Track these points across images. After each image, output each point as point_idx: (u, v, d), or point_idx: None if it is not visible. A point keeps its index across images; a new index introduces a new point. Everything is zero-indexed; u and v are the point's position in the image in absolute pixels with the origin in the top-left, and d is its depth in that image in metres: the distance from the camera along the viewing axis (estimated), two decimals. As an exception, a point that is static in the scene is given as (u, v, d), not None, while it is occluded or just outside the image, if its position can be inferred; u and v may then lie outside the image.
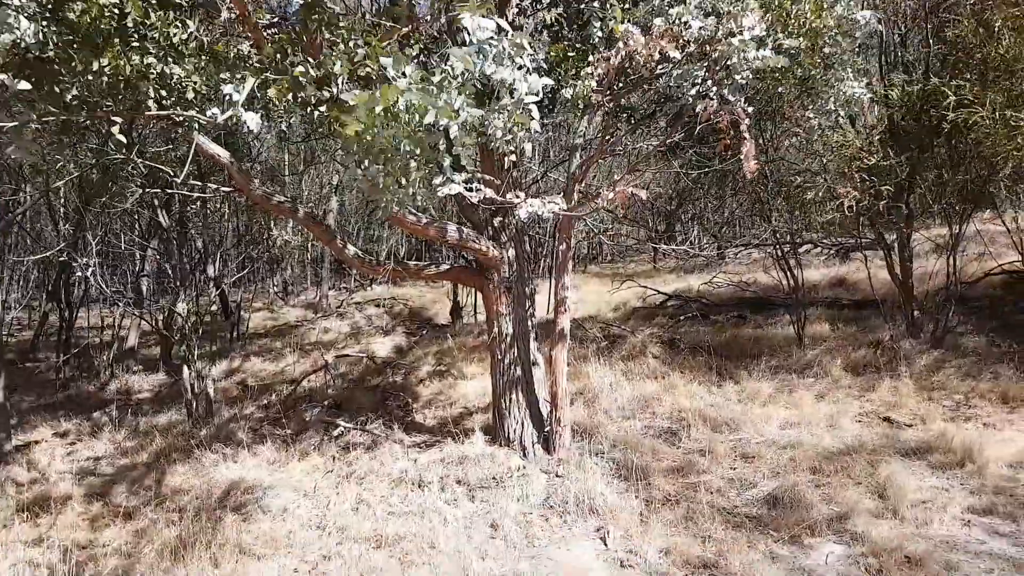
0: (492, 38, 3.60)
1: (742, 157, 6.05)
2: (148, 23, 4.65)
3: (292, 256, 17.16)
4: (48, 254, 10.13)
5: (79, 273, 11.13)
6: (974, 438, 6.32)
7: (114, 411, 9.02)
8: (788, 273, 9.75)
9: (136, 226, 11.81)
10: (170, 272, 9.64)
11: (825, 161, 8.97)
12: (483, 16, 3.53)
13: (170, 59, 4.84)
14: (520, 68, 3.66)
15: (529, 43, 4.11)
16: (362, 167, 4.00)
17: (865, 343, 9.06)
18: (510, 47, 3.68)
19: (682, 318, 10.96)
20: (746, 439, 6.83)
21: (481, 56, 3.61)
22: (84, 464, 7.65)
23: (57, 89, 4.55)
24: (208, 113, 4.94)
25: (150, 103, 4.89)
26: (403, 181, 5.66)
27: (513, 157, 5.78)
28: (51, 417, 9.29)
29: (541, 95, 3.80)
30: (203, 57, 5.07)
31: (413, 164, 4.72)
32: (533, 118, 3.85)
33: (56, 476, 7.21)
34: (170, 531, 5.53)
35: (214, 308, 10.83)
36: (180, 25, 4.86)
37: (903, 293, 9.42)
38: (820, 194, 8.59)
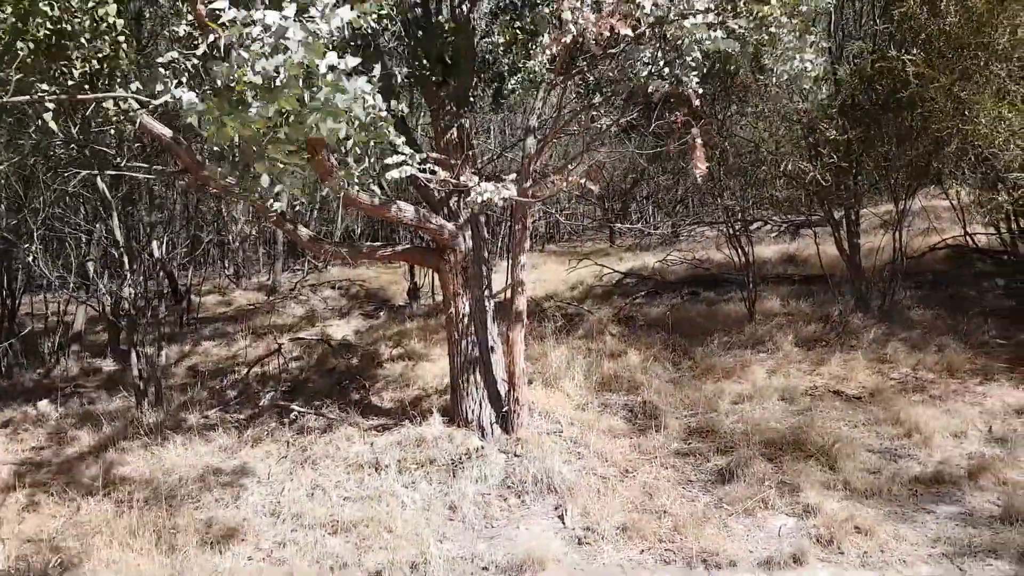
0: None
1: (693, 159, 6.09)
2: None
3: (245, 239, 16.77)
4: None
5: (21, 259, 10.71)
6: (921, 410, 6.55)
7: (59, 399, 8.73)
8: (740, 250, 9.90)
9: (81, 209, 11.38)
10: (116, 255, 9.32)
11: (780, 135, 9.09)
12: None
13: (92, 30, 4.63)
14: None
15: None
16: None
17: (815, 318, 9.28)
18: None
19: (638, 296, 11.06)
20: (701, 414, 6.95)
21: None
22: (28, 455, 7.40)
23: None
24: (135, 88, 4.74)
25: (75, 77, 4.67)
26: (350, 162, 5.55)
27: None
28: (-8, 407, 8.95)
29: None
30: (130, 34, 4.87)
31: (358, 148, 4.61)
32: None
33: (-1, 467, 6.98)
34: (119, 521, 5.39)
35: (163, 292, 10.52)
36: None
37: (851, 269, 9.65)
38: (774, 170, 8.71)
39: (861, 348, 8.23)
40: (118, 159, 7.73)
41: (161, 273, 10.58)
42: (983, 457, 5.76)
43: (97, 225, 10.73)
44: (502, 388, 6.75)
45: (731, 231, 10.14)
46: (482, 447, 6.21)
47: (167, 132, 5.63)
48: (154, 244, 9.36)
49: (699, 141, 6.03)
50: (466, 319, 6.83)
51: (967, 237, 10.41)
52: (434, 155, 6.43)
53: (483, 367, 6.80)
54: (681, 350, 8.63)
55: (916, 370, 7.70)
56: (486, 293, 7.02)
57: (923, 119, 7.99)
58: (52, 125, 5.34)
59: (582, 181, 6.49)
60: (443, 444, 6.25)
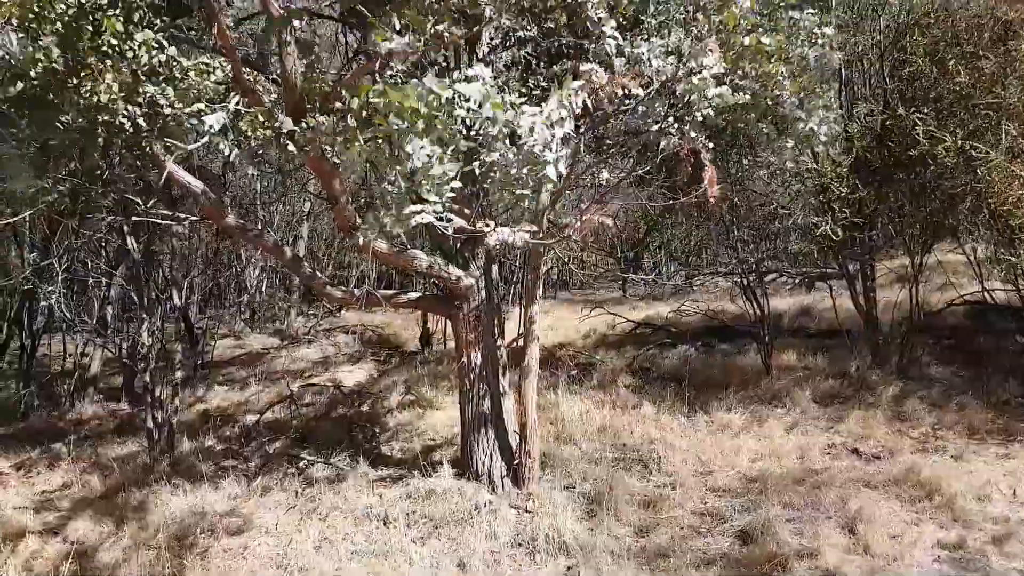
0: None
1: (705, 183, 6.16)
2: (124, 41, 4.59)
3: (260, 283, 16.94)
4: (11, 280, 9.89)
5: (43, 302, 10.86)
6: (942, 471, 6.39)
7: (73, 442, 8.76)
8: (754, 303, 9.86)
9: (103, 253, 11.59)
10: (136, 300, 9.44)
11: (793, 191, 9.13)
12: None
13: (146, 80, 4.78)
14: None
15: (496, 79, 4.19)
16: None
17: (832, 373, 9.16)
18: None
19: (651, 347, 11.00)
20: (717, 471, 6.83)
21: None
22: (40, 498, 7.40)
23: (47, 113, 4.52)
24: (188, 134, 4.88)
25: (124, 123, 4.83)
26: (380, 213, 5.64)
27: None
28: (7, 448, 8.99)
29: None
30: (181, 80, 5.02)
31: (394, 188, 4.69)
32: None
33: (11, 510, 6.96)
34: (128, 569, 5.35)
35: (178, 336, 10.62)
36: (157, 46, 4.80)
37: (868, 324, 9.56)
38: (792, 223, 8.73)
39: (879, 405, 8.10)
40: (141, 205, 7.90)
41: (178, 317, 10.70)
42: (1009, 522, 5.60)
43: (118, 269, 10.91)
44: (513, 440, 6.69)
45: (745, 282, 10.12)
46: (492, 501, 6.13)
47: (197, 183, 5.75)
48: (174, 291, 9.47)
49: (711, 168, 6.10)
50: (478, 369, 6.82)
51: (985, 293, 10.30)
52: (450, 203, 6.52)
53: (494, 418, 6.76)
54: (696, 403, 8.53)
55: (936, 429, 7.56)
56: (498, 343, 7.02)
57: (936, 176, 8.01)
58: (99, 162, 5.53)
59: (596, 219, 6.55)
60: (453, 498, 6.17)
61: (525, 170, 4.05)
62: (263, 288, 17.50)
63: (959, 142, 7.25)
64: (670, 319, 12.33)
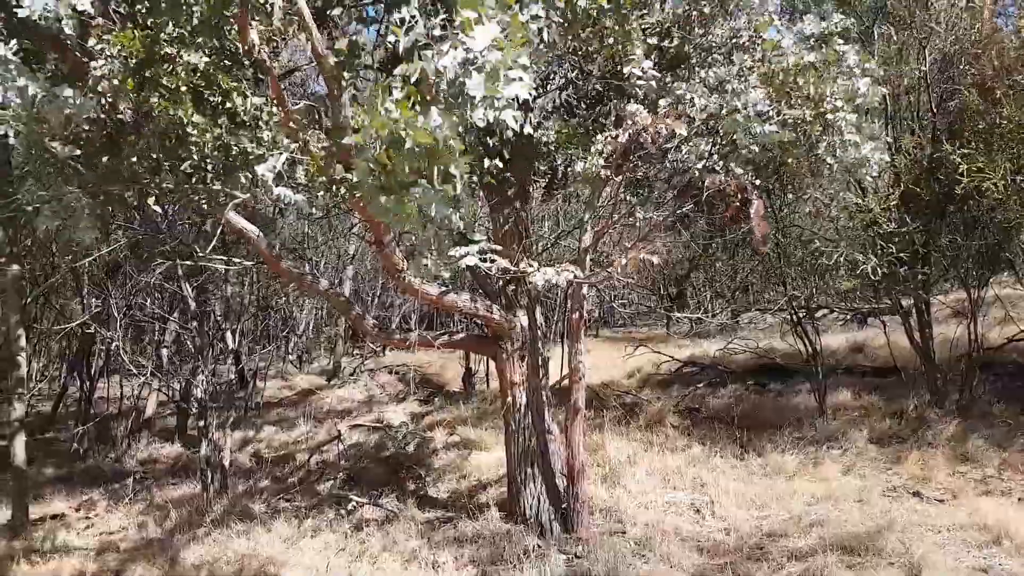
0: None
1: (752, 218, 6.12)
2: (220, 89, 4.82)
3: (308, 324, 17.28)
4: (74, 325, 10.30)
5: (102, 346, 11.23)
6: (1009, 514, 6.11)
7: (130, 484, 8.98)
8: (806, 340, 9.66)
9: (159, 297, 12.00)
10: (190, 344, 9.72)
11: (839, 226, 8.99)
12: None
13: (229, 125, 5.00)
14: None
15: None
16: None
17: (889, 412, 8.87)
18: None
19: (700, 386, 10.83)
20: (772, 516, 6.64)
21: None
22: (100, 539, 7.57)
23: (110, 160, 4.75)
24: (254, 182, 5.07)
25: (187, 168, 5.03)
26: (425, 257, 5.75)
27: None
28: (68, 490, 9.25)
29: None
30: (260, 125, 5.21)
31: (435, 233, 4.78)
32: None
33: (72, 552, 7.14)
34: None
35: (231, 377, 10.88)
36: (245, 96, 5.03)
37: (924, 361, 9.27)
38: (836, 260, 8.58)
39: (939, 446, 7.80)
40: (198, 251, 8.19)
41: (230, 359, 10.97)
42: (1084, 569, 5.31)
43: (173, 313, 11.27)
44: (561, 483, 6.62)
45: (795, 318, 9.94)
46: (540, 546, 6.06)
47: (252, 228, 5.93)
48: (228, 335, 9.74)
49: (758, 203, 6.06)
50: (523, 409, 6.81)
51: (1048, 327, 9.92)
52: (493, 245, 6.60)
53: (541, 460, 6.71)
54: (748, 445, 8.34)
55: (1001, 470, 7.24)
56: (543, 382, 7.01)
57: (989, 209, 7.81)
58: (156, 208, 5.79)
59: (641, 257, 6.54)
60: (500, 542, 6.12)
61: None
62: (310, 328, 17.83)
63: (1010, 176, 7.08)
64: (717, 357, 12.14)
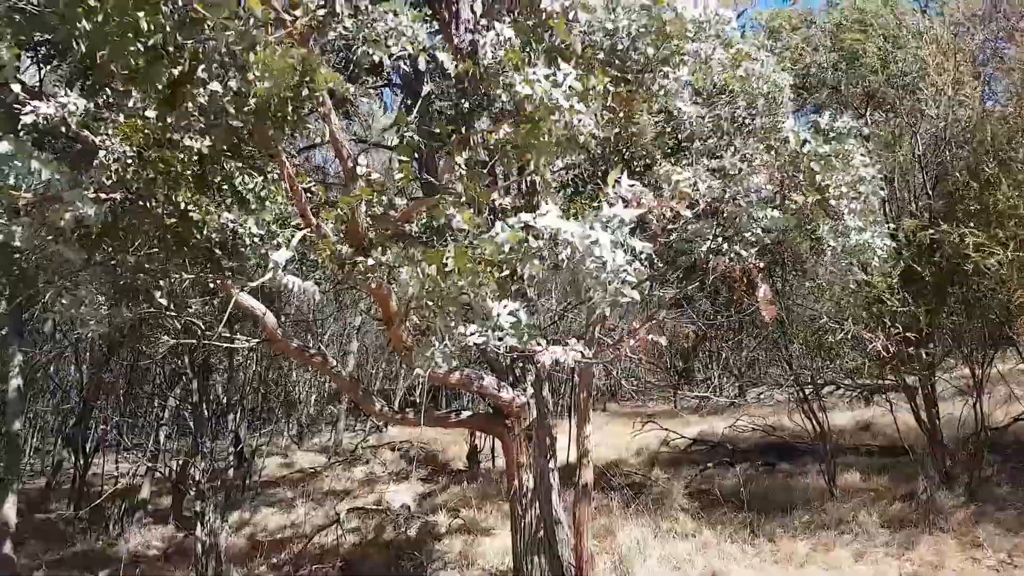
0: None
1: (759, 302, 6.15)
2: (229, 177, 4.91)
3: (309, 399, 17.10)
4: (70, 405, 10.20)
5: (100, 426, 11.09)
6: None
7: (122, 569, 8.68)
8: (813, 418, 9.56)
9: (159, 373, 11.92)
10: (190, 423, 9.60)
11: (843, 305, 9.02)
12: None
13: (236, 208, 5.07)
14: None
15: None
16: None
17: (899, 495, 8.70)
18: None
19: (709, 465, 10.64)
20: (785, 605, 6.42)
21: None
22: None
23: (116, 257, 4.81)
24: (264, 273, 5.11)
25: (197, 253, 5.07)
26: (435, 335, 5.75)
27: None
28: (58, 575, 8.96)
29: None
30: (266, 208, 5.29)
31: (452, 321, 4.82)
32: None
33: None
34: None
35: (228, 456, 10.68)
36: (251, 177, 5.12)
37: (932, 442, 9.14)
38: (841, 339, 8.58)
39: (951, 530, 7.63)
40: (202, 327, 8.17)
41: (229, 436, 10.81)
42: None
43: (173, 389, 11.17)
44: (569, 572, 6.42)
45: (801, 395, 9.86)
46: (549, 640, 5.82)
47: (261, 307, 5.95)
48: (229, 416, 9.63)
49: (765, 288, 6.09)
50: (530, 494, 6.66)
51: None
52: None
53: (548, 547, 6.53)
54: (759, 529, 8.13)
55: (1013, 555, 7.05)
56: (550, 464, 6.88)
57: (990, 289, 7.86)
58: (162, 301, 5.82)
59: (649, 337, 6.53)
60: (508, 634, 5.89)
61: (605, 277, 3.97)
62: (311, 404, 17.64)
63: (1008, 255, 7.15)
64: (726, 435, 11.97)
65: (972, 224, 7.65)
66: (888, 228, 8.69)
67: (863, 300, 8.36)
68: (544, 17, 5.00)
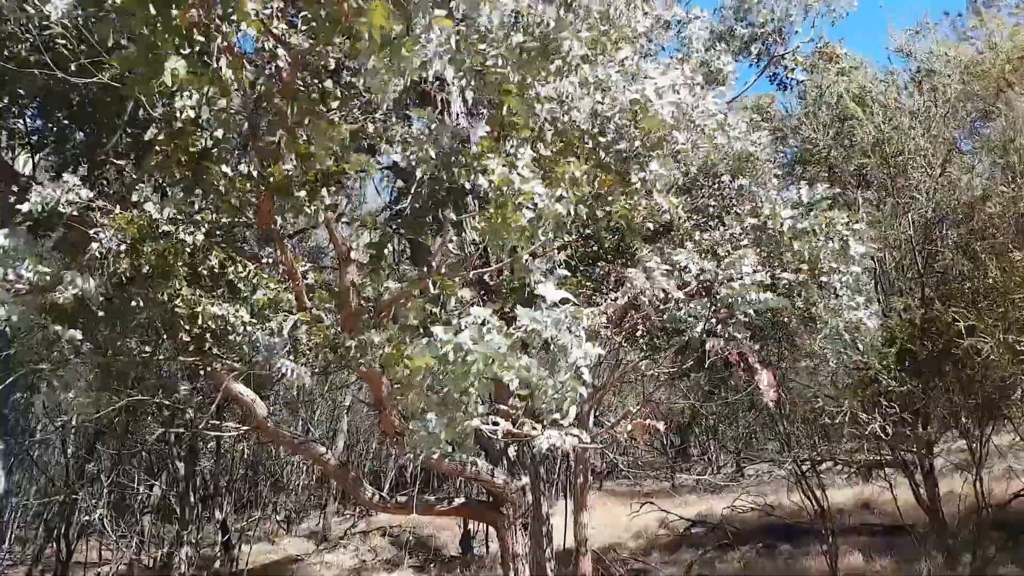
0: (556, 305, 3.84)
1: (761, 387, 6.14)
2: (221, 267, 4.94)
3: (297, 483, 16.71)
4: (57, 498, 9.93)
5: (85, 516, 10.74)
6: None
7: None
8: (812, 497, 9.41)
9: (146, 460, 11.65)
10: (176, 505, 9.35)
11: (839, 385, 9.01)
12: (555, 287, 3.83)
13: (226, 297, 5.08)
14: (576, 336, 3.82)
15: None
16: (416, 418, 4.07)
17: (904, 577, 8.49)
18: (569, 316, 3.88)
19: (708, 549, 10.38)
20: None
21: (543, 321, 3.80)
22: None
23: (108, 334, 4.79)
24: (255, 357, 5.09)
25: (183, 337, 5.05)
26: (427, 421, 5.69)
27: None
28: None
29: (591, 361, 3.89)
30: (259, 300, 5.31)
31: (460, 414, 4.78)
32: (584, 383, 3.87)
33: None
34: None
35: (215, 544, 10.34)
36: (243, 266, 5.16)
37: (933, 520, 8.99)
38: (838, 420, 8.53)
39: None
40: (191, 413, 8.08)
41: (216, 522, 10.51)
42: None
43: (160, 476, 10.91)
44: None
45: (800, 471, 9.73)
46: None
47: (251, 395, 5.89)
48: (215, 507, 9.39)
49: (765, 373, 6.09)
50: (526, 589, 6.45)
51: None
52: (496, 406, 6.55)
53: (547, 647, 6.27)
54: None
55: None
56: (547, 554, 6.70)
57: (983, 367, 7.88)
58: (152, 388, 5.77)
59: (646, 422, 6.47)
60: None
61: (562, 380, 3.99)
62: (300, 488, 17.22)
63: (1001, 336, 7.20)
64: (725, 516, 11.72)
65: (963, 305, 7.73)
66: (880, 306, 8.81)
67: (859, 379, 8.37)
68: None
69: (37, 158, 5.61)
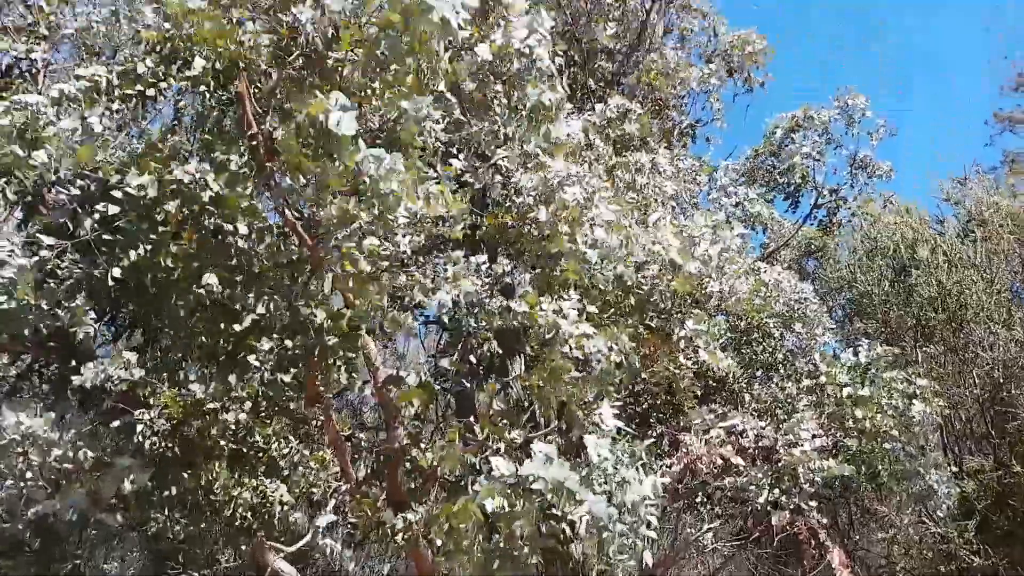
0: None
1: (832, 566, 5.71)
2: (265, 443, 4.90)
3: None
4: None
5: None
6: None
7: None
8: None
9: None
10: None
11: (915, 557, 8.29)
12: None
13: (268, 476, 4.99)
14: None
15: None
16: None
17: None
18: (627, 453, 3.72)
19: None
20: None
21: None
22: None
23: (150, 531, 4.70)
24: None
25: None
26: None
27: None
28: None
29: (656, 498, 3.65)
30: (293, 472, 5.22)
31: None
32: (651, 526, 3.60)
33: None
34: None
35: None
36: (285, 440, 5.10)
37: None
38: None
39: None
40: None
41: None
42: None
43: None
44: None
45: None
46: None
47: (288, 568, 5.64)
48: None
49: (837, 551, 5.65)
50: None
51: None
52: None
53: None
54: None
55: None
56: None
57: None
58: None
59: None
60: None
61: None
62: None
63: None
64: None
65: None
66: (950, 469, 8.25)
67: (939, 553, 7.68)
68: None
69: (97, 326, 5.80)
